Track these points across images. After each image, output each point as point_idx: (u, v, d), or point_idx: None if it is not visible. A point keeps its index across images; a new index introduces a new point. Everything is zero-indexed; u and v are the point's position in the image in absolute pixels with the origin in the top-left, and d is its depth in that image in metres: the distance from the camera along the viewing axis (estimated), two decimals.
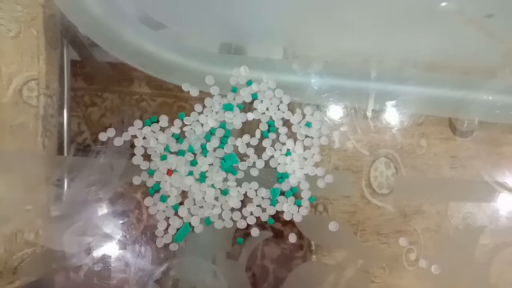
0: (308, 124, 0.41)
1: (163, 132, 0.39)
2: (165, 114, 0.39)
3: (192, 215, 0.38)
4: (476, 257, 0.43)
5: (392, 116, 0.43)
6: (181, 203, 0.38)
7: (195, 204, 0.38)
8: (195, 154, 0.39)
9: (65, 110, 0.38)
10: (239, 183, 0.39)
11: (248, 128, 0.40)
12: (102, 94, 0.39)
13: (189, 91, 0.39)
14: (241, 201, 0.39)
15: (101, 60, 0.39)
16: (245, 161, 0.39)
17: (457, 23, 0.44)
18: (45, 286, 0.36)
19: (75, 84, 0.39)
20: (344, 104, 0.42)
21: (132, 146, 0.38)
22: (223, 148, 0.39)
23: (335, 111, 0.42)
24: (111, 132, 0.38)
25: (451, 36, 0.44)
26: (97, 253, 0.37)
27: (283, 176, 0.40)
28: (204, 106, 0.39)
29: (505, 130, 0.46)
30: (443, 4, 0.43)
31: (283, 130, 0.40)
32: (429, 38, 0.43)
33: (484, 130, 0.45)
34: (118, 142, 0.38)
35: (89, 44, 0.38)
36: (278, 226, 0.40)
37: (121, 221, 0.38)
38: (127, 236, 0.38)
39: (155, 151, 0.38)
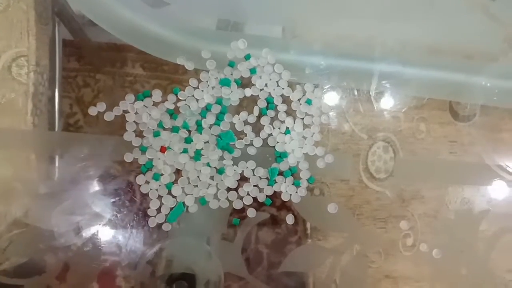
0: (309, 102, 0.40)
1: (156, 107, 0.38)
2: None
3: (186, 194, 0.37)
4: (475, 242, 0.43)
5: (391, 99, 0.43)
6: (175, 182, 0.37)
7: (189, 183, 0.38)
8: (189, 131, 0.38)
9: (56, 89, 0.38)
10: (235, 161, 0.38)
11: (245, 104, 0.40)
12: (95, 75, 0.39)
13: (186, 68, 0.39)
14: (237, 180, 0.38)
15: (94, 40, 0.38)
16: (242, 139, 0.39)
17: (460, 6, 0.44)
18: (34, 266, 0.36)
19: (67, 64, 0.38)
20: (345, 84, 0.42)
21: (124, 121, 0.37)
22: (219, 125, 0.38)
23: (334, 91, 0.41)
24: (101, 106, 0.37)
25: (454, 20, 0.44)
26: (87, 232, 0.36)
27: (281, 155, 0.39)
28: (200, 81, 0.39)
29: (505, 116, 0.46)
30: None
31: (282, 107, 0.40)
32: (431, 21, 0.43)
33: (484, 115, 0.45)
34: (109, 117, 0.37)
35: (81, 23, 0.38)
36: (272, 210, 0.39)
37: (112, 200, 0.37)
38: (118, 215, 0.37)
39: (148, 127, 0.37)
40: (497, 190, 0.44)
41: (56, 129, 0.37)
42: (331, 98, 0.41)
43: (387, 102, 0.43)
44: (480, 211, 0.44)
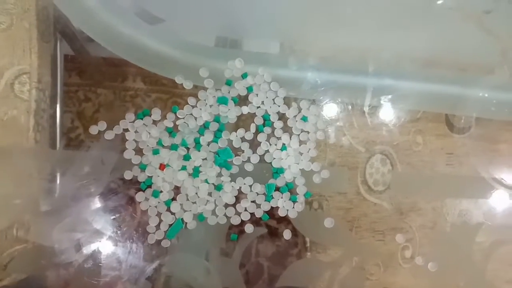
0: (304, 118, 0.40)
1: (156, 125, 0.38)
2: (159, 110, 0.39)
3: (184, 211, 0.38)
4: (472, 254, 0.43)
5: (388, 112, 0.43)
6: (174, 199, 0.38)
7: (188, 199, 0.38)
8: (188, 148, 0.38)
9: (57, 105, 0.38)
10: (233, 178, 0.39)
11: (242, 122, 0.40)
12: (96, 89, 0.39)
13: (183, 86, 0.39)
14: (235, 196, 0.38)
15: (95, 55, 0.39)
16: (240, 155, 0.39)
17: (455, 19, 0.44)
18: (35, 283, 0.36)
19: (68, 79, 0.38)
20: (340, 100, 0.42)
21: (124, 139, 0.38)
22: (217, 142, 0.39)
23: (331, 107, 0.42)
24: (102, 125, 0.38)
25: (449, 33, 0.44)
26: (88, 249, 0.36)
27: (278, 171, 0.39)
28: (198, 99, 0.39)
29: (501, 127, 0.46)
30: (440, 1, 0.43)
31: (278, 124, 0.40)
32: (426, 34, 0.43)
33: (480, 127, 0.45)
34: (109, 135, 0.37)
35: (82, 38, 0.38)
36: (272, 223, 0.39)
37: (112, 217, 0.37)
38: (118, 232, 0.37)
39: (147, 145, 0.38)
40: (493, 202, 0.44)
41: (58, 145, 0.38)
42: (327, 114, 0.41)
43: (383, 116, 0.43)
44: (477, 223, 0.44)
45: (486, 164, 0.44)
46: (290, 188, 0.39)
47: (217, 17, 0.42)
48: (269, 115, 0.40)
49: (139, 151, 0.38)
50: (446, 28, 0.44)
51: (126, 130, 0.38)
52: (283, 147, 0.40)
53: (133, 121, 0.38)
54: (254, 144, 0.40)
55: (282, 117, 0.40)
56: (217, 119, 0.39)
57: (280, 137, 0.40)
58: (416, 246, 0.42)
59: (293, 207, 0.39)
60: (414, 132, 0.43)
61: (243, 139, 0.39)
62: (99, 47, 0.37)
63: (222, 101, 0.39)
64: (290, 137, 0.40)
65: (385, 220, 0.42)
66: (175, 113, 0.38)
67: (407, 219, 0.42)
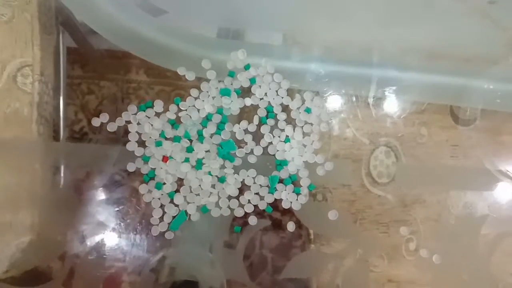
0: (308, 110, 0.40)
1: (158, 117, 0.38)
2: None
3: (188, 203, 0.38)
4: (477, 247, 0.43)
5: (392, 104, 0.43)
6: (177, 191, 0.38)
7: (191, 191, 0.38)
8: (191, 140, 0.38)
9: (61, 97, 0.38)
10: (236, 170, 0.39)
11: (246, 114, 0.40)
12: (99, 82, 0.39)
13: (186, 78, 0.39)
14: (238, 188, 0.38)
15: (98, 47, 0.39)
16: (243, 147, 0.39)
17: (459, 10, 0.43)
18: (40, 274, 0.36)
19: (71, 72, 0.38)
20: (344, 91, 0.42)
21: (127, 131, 0.38)
22: (220, 134, 0.38)
23: (335, 98, 0.42)
24: (104, 117, 0.38)
25: (454, 24, 0.44)
26: (92, 241, 0.37)
27: (281, 164, 0.39)
28: (200, 91, 0.39)
29: (507, 119, 0.46)
30: None
31: (282, 116, 0.40)
32: (431, 25, 0.43)
33: (485, 119, 0.44)
34: (111, 127, 0.38)
35: (85, 31, 0.38)
36: (276, 215, 0.39)
37: (116, 209, 0.37)
38: (122, 224, 0.37)
39: (150, 137, 0.38)
40: (498, 195, 0.44)
41: (61, 137, 0.38)
42: (331, 105, 0.41)
43: (387, 108, 0.42)
44: (482, 215, 0.44)
45: (491, 156, 0.44)
46: (293, 180, 0.39)
47: (220, 8, 0.42)
48: (272, 106, 0.40)
49: (142, 143, 0.38)
50: (451, 19, 0.44)
51: (129, 122, 0.38)
52: (287, 139, 0.40)
53: (136, 113, 0.38)
54: (257, 136, 0.39)
55: (285, 108, 0.40)
56: (220, 111, 0.39)
57: (284, 129, 0.40)
58: (421, 239, 0.42)
59: (297, 199, 0.39)
60: (419, 124, 0.43)
61: (246, 131, 0.39)
62: (102, 39, 0.37)
63: (225, 93, 0.39)
64: (294, 129, 0.40)
65: (389, 212, 0.42)
66: (177, 105, 0.38)
67: (411, 212, 0.42)
